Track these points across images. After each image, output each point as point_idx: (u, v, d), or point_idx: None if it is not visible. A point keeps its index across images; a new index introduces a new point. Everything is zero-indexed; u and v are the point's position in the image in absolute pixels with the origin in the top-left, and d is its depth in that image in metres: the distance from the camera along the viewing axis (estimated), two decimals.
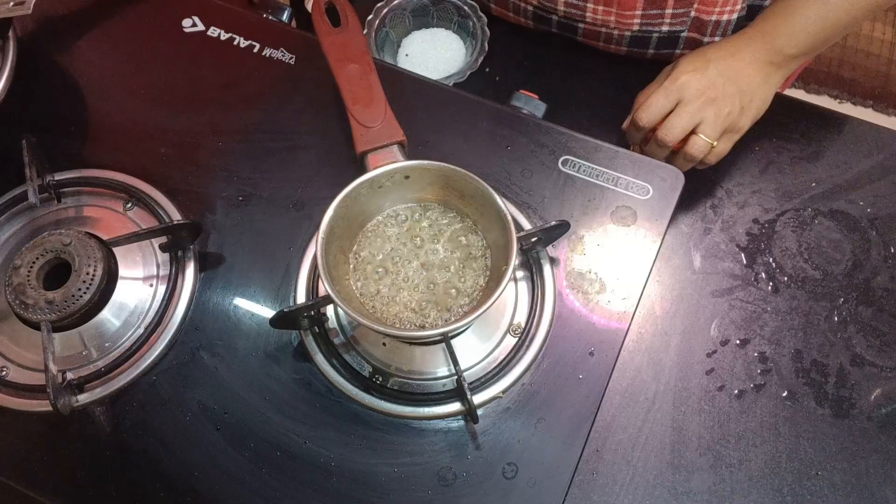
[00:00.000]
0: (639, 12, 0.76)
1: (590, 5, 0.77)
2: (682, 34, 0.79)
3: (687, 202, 0.76)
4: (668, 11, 0.75)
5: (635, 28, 0.78)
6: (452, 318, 0.58)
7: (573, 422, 0.60)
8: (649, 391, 0.68)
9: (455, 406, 0.60)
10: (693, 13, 0.76)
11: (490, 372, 0.61)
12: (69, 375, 0.61)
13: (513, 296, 0.64)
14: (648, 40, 0.80)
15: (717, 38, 0.79)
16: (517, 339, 0.62)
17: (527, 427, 0.60)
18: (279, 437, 0.60)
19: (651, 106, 0.71)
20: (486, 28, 0.86)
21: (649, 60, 0.86)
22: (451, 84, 0.81)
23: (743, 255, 0.74)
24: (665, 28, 0.78)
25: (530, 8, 0.83)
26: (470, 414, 0.59)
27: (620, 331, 0.63)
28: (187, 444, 0.60)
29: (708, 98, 0.70)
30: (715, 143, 0.71)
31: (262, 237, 0.67)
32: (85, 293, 0.60)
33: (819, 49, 0.74)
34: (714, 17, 0.76)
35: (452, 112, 0.71)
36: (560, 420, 0.60)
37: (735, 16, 0.76)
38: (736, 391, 0.68)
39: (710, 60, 0.71)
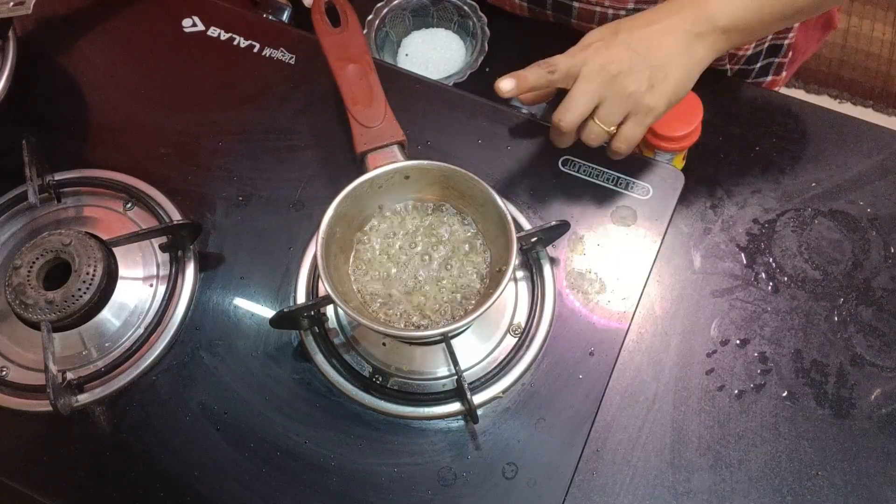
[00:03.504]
0: None
1: None
2: None
3: (687, 202, 0.76)
4: None
5: (630, 6, 0.78)
6: (452, 319, 0.58)
7: (573, 422, 0.60)
8: (649, 391, 0.68)
9: (455, 406, 0.60)
10: None
11: (490, 372, 0.61)
12: (69, 375, 0.61)
13: (513, 296, 0.64)
14: None
15: None
16: (517, 339, 0.62)
17: (527, 427, 0.60)
18: (279, 437, 0.60)
19: (528, 79, 0.63)
20: (486, 28, 0.86)
21: None
22: (451, 84, 0.81)
23: (743, 255, 0.74)
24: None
25: None
26: (470, 414, 0.59)
27: (620, 331, 0.63)
28: (187, 444, 0.60)
29: (608, 74, 0.61)
30: (612, 130, 0.63)
31: (262, 237, 0.67)
32: (85, 293, 0.60)
33: (753, 31, 0.66)
34: None
35: (452, 112, 0.71)
36: (560, 420, 0.60)
37: None
38: (736, 391, 0.68)
39: (617, 31, 0.63)
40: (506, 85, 0.63)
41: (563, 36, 0.88)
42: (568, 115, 0.62)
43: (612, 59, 0.61)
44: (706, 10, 0.62)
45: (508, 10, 0.88)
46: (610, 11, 0.80)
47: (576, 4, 0.81)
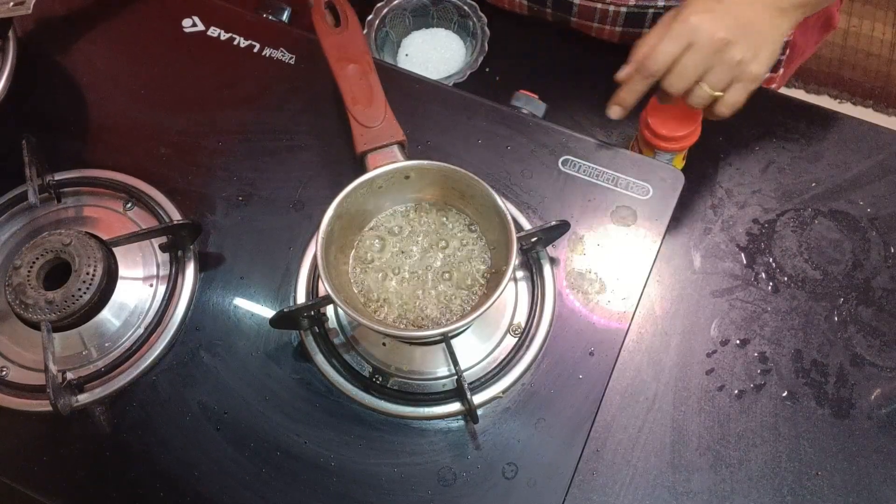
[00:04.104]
0: None
1: None
2: None
3: (687, 202, 0.76)
4: None
5: (631, 2, 0.77)
6: (452, 318, 0.58)
7: (573, 422, 0.60)
8: (649, 391, 0.68)
9: (455, 406, 0.60)
10: None
11: (490, 372, 0.61)
12: (69, 375, 0.61)
13: (513, 296, 0.64)
14: (644, 17, 0.79)
15: None
16: (517, 339, 0.62)
17: (527, 427, 0.60)
18: (279, 437, 0.60)
19: (660, 52, 0.64)
20: (486, 28, 0.86)
21: None
22: (451, 84, 0.81)
23: (743, 255, 0.74)
24: (661, 3, 0.77)
25: None
26: (470, 414, 0.59)
27: (620, 331, 0.63)
28: (187, 444, 0.60)
29: (720, 42, 0.63)
30: (719, 94, 0.66)
31: (262, 237, 0.67)
32: (85, 293, 0.60)
33: (821, 3, 0.70)
34: None
35: (452, 112, 0.71)
36: (560, 420, 0.60)
37: None
38: (736, 391, 0.68)
39: (720, 0, 0.65)
40: (614, 112, 0.68)
41: (562, 36, 0.88)
42: (679, 83, 0.65)
43: (721, 27, 0.63)
44: None
45: (507, 8, 0.88)
46: (611, 8, 0.80)
47: (577, 1, 0.81)
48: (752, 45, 0.65)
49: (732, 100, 0.67)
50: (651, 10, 0.79)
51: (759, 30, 0.65)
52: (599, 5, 0.80)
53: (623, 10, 0.80)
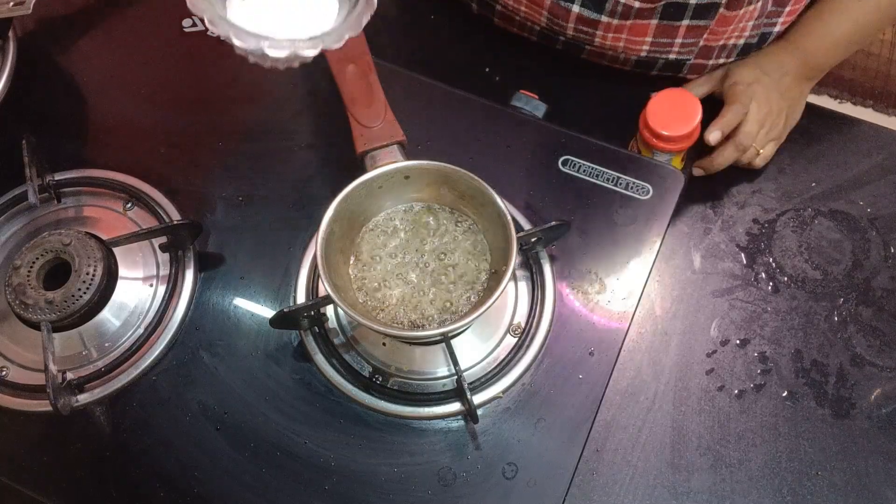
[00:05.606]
0: (649, 39, 0.76)
1: (599, 32, 0.76)
2: (689, 61, 0.79)
3: (687, 202, 0.76)
4: (678, 41, 0.75)
5: (643, 54, 0.78)
6: (452, 318, 0.58)
7: (573, 422, 0.60)
8: (649, 391, 0.68)
9: (455, 406, 0.60)
10: (702, 42, 0.76)
11: (490, 372, 0.61)
12: (69, 375, 0.61)
13: (513, 296, 0.64)
14: (654, 63, 0.80)
15: (720, 61, 0.79)
16: (517, 339, 0.62)
17: (527, 427, 0.60)
18: (279, 437, 0.60)
19: (732, 123, 0.75)
20: None
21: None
22: (320, 48, 0.51)
23: (743, 255, 0.74)
24: (672, 56, 0.78)
25: (537, 27, 0.82)
26: (470, 414, 0.59)
27: (620, 331, 0.63)
28: (187, 444, 0.60)
29: (769, 110, 0.75)
30: (761, 150, 0.76)
31: (262, 237, 0.67)
32: (85, 293, 0.60)
33: (838, 62, 0.80)
34: (721, 42, 0.76)
35: (452, 112, 0.71)
36: (560, 420, 0.60)
37: (742, 41, 0.77)
38: (736, 391, 0.68)
39: (765, 73, 0.76)
40: (714, 136, 0.76)
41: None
42: (750, 139, 0.75)
43: (769, 98, 0.76)
44: (815, 62, 0.77)
45: (517, 32, 0.88)
46: (622, 55, 0.79)
47: (587, 48, 0.81)
48: (784, 114, 0.77)
49: (768, 153, 0.77)
50: (661, 61, 0.79)
51: (791, 100, 0.77)
52: (611, 52, 0.79)
53: (633, 58, 0.79)
